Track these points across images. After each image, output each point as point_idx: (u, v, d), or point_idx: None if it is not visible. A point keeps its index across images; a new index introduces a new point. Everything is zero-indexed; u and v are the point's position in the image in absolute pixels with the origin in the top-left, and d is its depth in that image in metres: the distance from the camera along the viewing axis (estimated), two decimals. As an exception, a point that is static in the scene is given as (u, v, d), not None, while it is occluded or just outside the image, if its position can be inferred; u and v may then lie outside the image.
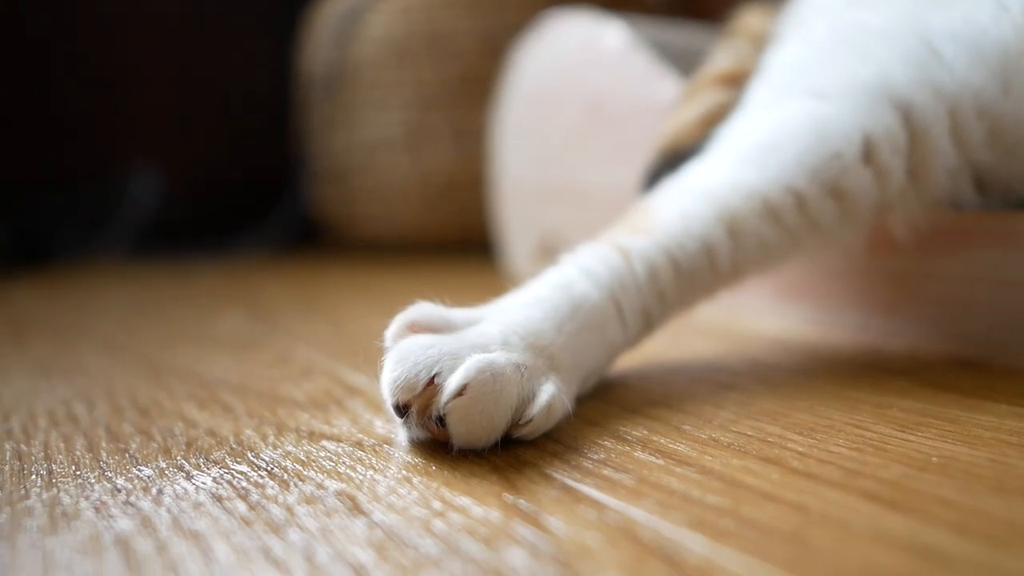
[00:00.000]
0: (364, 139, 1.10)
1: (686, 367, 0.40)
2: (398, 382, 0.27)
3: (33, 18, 1.20)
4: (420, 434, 0.28)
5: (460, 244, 1.03)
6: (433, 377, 0.27)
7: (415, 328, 0.29)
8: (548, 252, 0.70)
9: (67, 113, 1.23)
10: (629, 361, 0.37)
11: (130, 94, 1.29)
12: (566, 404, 0.29)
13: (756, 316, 0.49)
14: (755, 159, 0.37)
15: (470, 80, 1.03)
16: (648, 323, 0.35)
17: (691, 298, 0.36)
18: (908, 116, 0.36)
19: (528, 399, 0.28)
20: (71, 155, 1.23)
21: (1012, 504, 0.21)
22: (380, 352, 0.29)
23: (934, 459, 0.25)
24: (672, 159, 0.44)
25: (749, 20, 0.50)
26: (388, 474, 0.26)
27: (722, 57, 0.48)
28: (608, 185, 0.61)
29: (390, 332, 0.29)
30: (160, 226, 1.19)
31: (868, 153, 0.36)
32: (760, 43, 0.47)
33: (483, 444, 0.27)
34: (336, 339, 0.48)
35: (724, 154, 0.38)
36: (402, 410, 0.27)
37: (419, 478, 0.25)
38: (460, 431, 0.26)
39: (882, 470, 0.24)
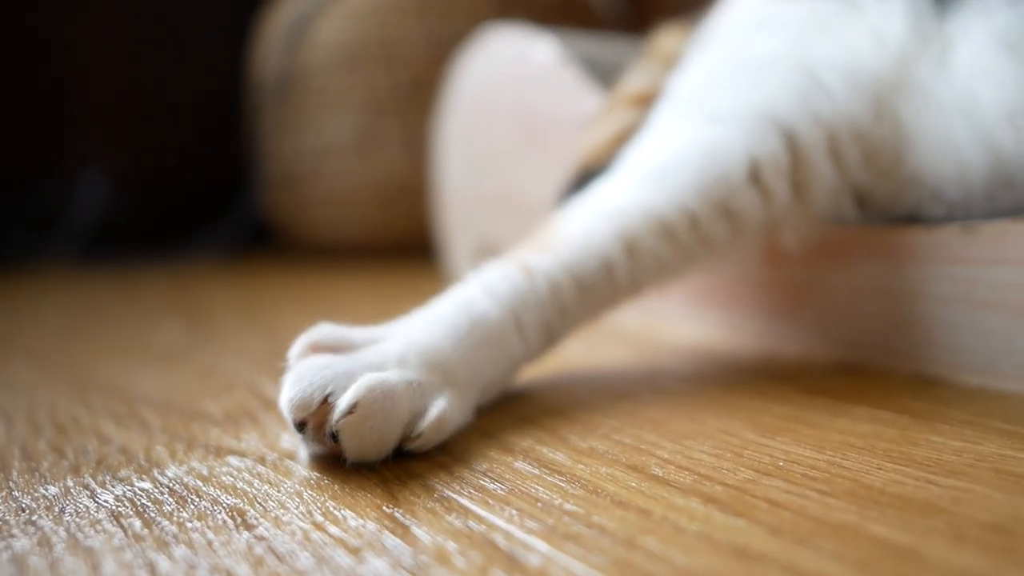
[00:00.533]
0: (315, 144, 1.11)
1: (591, 375, 0.42)
2: (294, 401, 0.29)
3: (-21, 24, 1.20)
4: (318, 449, 0.30)
5: (411, 248, 1.04)
6: (327, 396, 0.29)
7: (316, 348, 0.31)
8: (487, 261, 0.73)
9: (13, 115, 1.23)
10: (538, 370, 0.39)
11: (78, 97, 1.28)
12: (458, 417, 0.31)
13: (670, 321, 0.52)
14: (654, 180, 0.39)
15: (420, 86, 1.04)
16: (550, 336, 0.37)
17: (593, 311, 0.39)
18: (791, 140, 0.38)
19: (420, 414, 0.30)
20: (17, 157, 1.23)
21: (829, 503, 0.24)
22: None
23: (780, 463, 0.27)
24: (586, 177, 0.46)
25: (662, 42, 0.53)
26: (282, 488, 0.28)
27: (635, 78, 0.50)
28: (541, 195, 0.63)
29: (293, 352, 0.31)
30: (108, 230, 1.19)
31: (754, 174, 0.38)
32: (671, 64, 0.50)
33: (374, 458, 0.29)
34: (266, 350, 0.49)
35: (627, 175, 0.40)
36: (300, 427, 0.29)
37: (310, 492, 0.27)
38: (352, 446, 0.28)
39: (730, 475, 0.26)
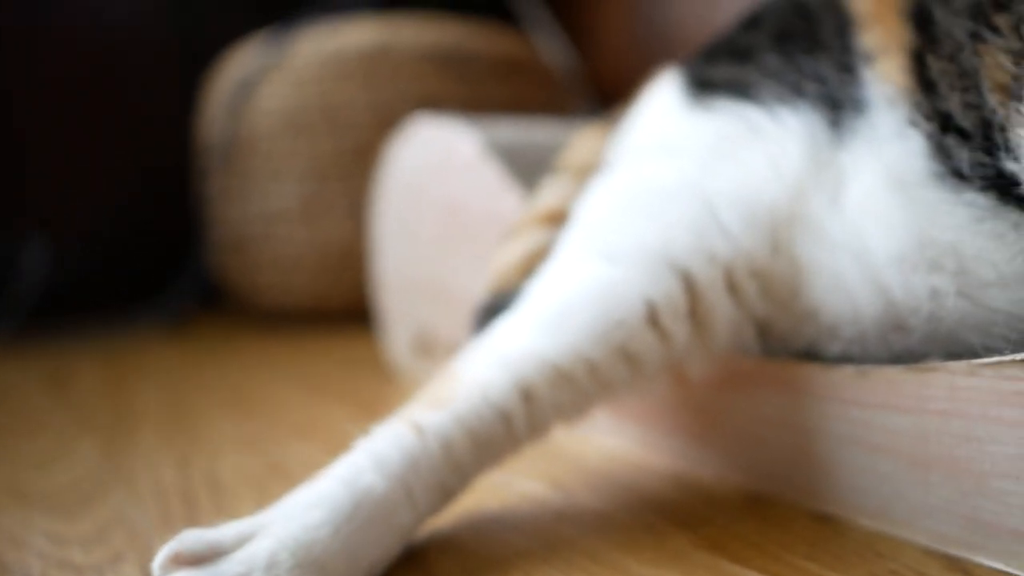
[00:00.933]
0: (262, 209, 1.10)
1: (498, 516, 0.41)
2: None
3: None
4: None
5: (359, 314, 1.03)
6: None
7: (180, 560, 0.30)
8: (424, 348, 0.72)
9: None
10: (444, 516, 0.38)
11: (24, 160, 1.26)
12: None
13: (597, 434, 0.51)
14: (550, 326, 0.38)
15: (364, 152, 1.03)
16: (446, 495, 0.36)
17: (492, 461, 0.38)
18: (688, 281, 0.38)
19: None
20: None
21: None
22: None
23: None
24: (497, 302, 0.46)
25: (576, 151, 0.53)
26: None
27: (547, 193, 0.50)
28: (471, 288, 0.63)
29: (156, 564, 0.30)
30: (53, 299, 1.17)
31: (652, 318, 0.38)
32: (585, 176, 0.49)
33: None
34: (174, 493, 0.47)
35: (525, 317, 0.40)
36: None
37: None
38: None
39: None
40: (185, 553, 0.30)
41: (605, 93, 1.39)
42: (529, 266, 0.45)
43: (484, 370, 0.38)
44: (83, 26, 1.31)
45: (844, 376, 0.37)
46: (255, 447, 0.54)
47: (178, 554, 0.29)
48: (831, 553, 0.34)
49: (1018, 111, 0.34)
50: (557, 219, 0.47)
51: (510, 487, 0.44)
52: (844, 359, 0.38)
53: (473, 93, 1.08)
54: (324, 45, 1.07)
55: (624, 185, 0.43)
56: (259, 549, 0.30)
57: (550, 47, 1.35)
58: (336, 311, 1.07)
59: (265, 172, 1.08)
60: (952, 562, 0.32)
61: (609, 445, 0.50)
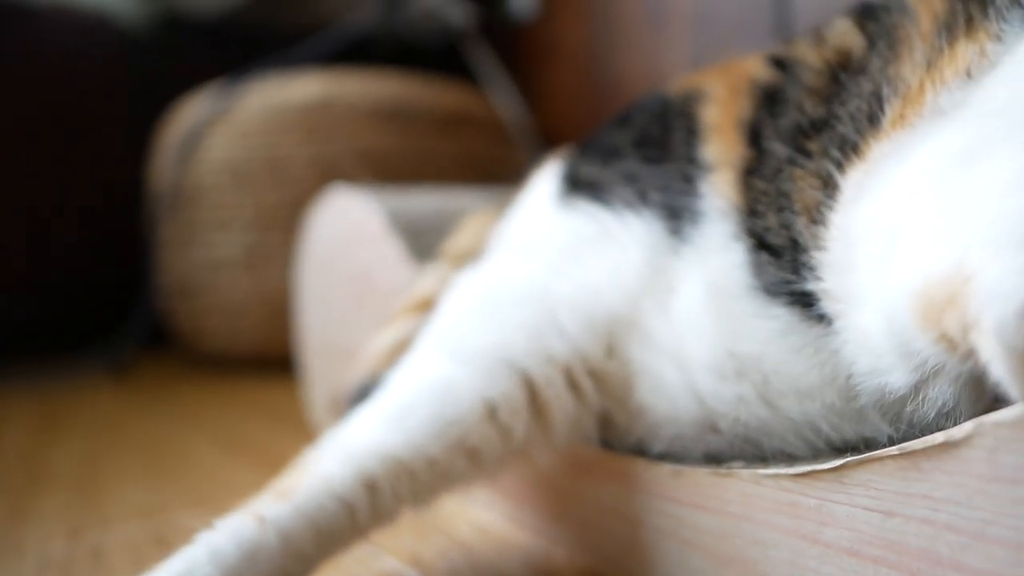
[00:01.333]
0: (207, 257, 1.12)
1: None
2: None
3: None
4: None
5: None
6: None
7: None
8: (338, 410, 0.74)
9: None
10: None
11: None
12: None
13: (471, 505, 0.54)
14: (393, 420, 0.41)
15: (305, 204, 1.06)
16: None
17: (337, 547, 0.40)
18: (526, 379, 0.41)
19: None
20: None
21: None
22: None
23: None
24: (364, 388, 0.48)
25: (457, 239, 0.55)
26: None
27: (423, 281, 0.53)
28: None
29: None
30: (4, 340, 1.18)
31: (490, 415, 0.40)
32: (461, 264, 0.52)
33: None
34: (56, 567, 0.48)
35: (373, 410, 0.42)
36: None
37: None
38: None
39: None
40: None
41: (553, 143, 1.43)
42: (396, 355, 0.48)
43: (329, 462, 0.40)
44: (36, 70, 1.34)
45: (663, 473, 0.39)
46: (149, 516, 0.56)
47: None
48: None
49: (819, 234, 0.36)
50: (428, 307, 0.50)
51: (367, 565, 0.46)
52: (667, 456, 0.40)
53: (415, 147, 1.11)
54: (269, 98, 1.11)
55: (482, 283, 0.46)
56: None
57: (501, 100, 1.39)
58: (278, 358, 1.09)
59: (211, 221, 1.11)
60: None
61: (481, 518, 0.52)
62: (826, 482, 0.32)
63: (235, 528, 0.38)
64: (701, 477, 0.37)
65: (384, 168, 1.08)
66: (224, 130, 1.11)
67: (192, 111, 1.16)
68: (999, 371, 0.22)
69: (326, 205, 0.74)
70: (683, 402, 0.39)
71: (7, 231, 1.29)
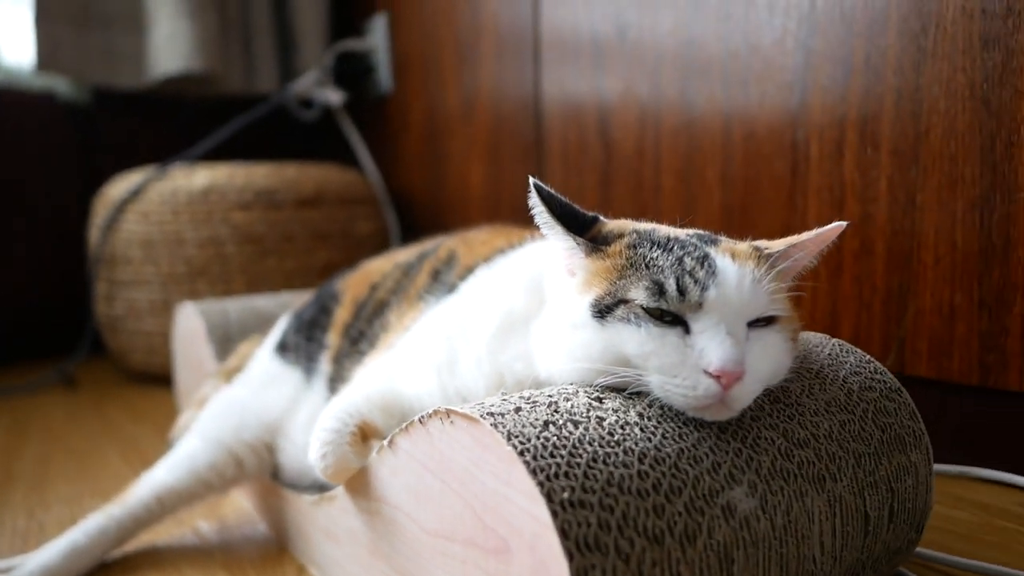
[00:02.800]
0: (127, 304, 1.53)
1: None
2: None
3: None
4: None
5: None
6: None
7: None
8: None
9: None
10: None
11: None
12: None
13: (243, 498, 0.97)
14: (168, 468, 0.82)
15: (195, 272, 1.47)
16: (120, 542, 0.81)
17: (148, 525, 0.82)
18: (230, 451, 0.82)
19: None
20: None
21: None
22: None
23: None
24: (173, 440, 0.91)
25: (231, 360, 0.97)
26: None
27: (204, 390, 0.95)
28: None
29: None
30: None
31: (213, 467, 0.83)
32: (231, 377, 0.95)
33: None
34: None
35: (164, 461, 0.84)
36: None
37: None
38: None
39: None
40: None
41: (404, 202, 1.84)
42: (185, 427, 0.91)
43: (138, 488, 0.83)
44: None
45: (304, 499, 0.82)
46: (73, 503, 0.99)
47: None
48: None
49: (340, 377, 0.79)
50: (204, 404, 0.93)
51: (181, 524, 0.89)
52: (314, 489, 0.83)
53: (279, 224, 1.52)
54: (169, 186, 1.50)
55: (223, 395, 0.88)
56: (31, 561, 0.74)
57: (364, 166, 1.79)
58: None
59: (128, 280, 1.52)
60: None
61: (246, 506, 0.95)
62: (324, 503, 0.75)
63: (95, 517, 0.80)
64: (311, 503, 0.80)
65: (256, 242, 1.48)
66: (136, 209, 1.50)
67: (115, 191, 1.55)
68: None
69: (180, 311, 1.16)
70: (298, 464, 0.82)
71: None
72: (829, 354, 0.67)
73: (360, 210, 1.66)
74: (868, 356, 0.68)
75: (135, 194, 1.50)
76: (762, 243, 0.59)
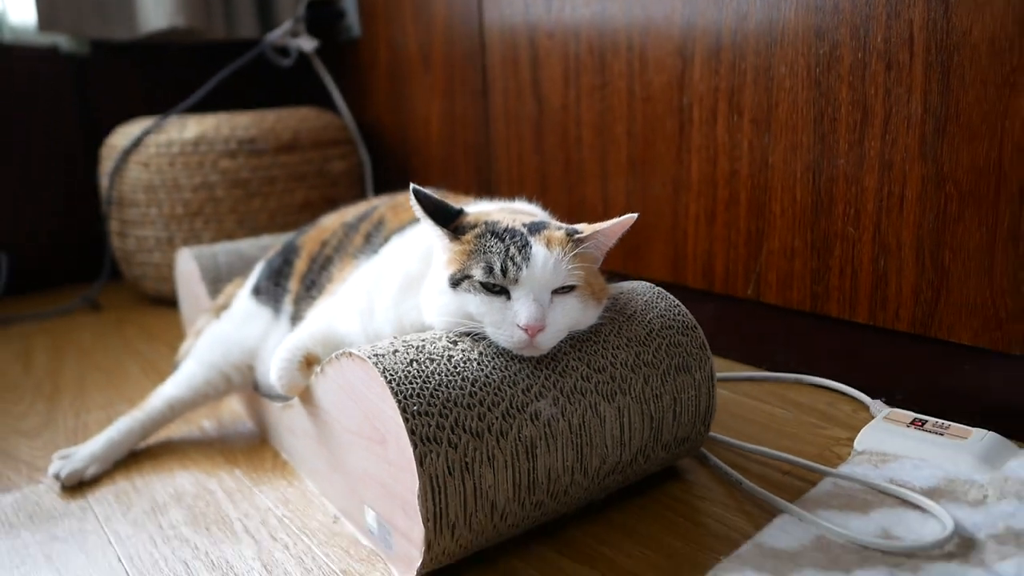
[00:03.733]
0: (136, 240, 1.79)
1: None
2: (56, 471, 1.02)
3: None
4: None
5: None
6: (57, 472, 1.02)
7: (58, 456, 1.04)
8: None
9: None
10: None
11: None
12: (95, 468, 1.04)
13: (233, 403, 1.25)
14: (174, 383, 1.09)
15: (192, 213, 1.71)
16: (145, 435, 1.09)
17: (165, 424, 1.10)
18: (222, 371, 1.10)
19: (81, 471, 1.03)
20: None
21: None
22: None
23: None
24: (178, 362, 1.18)
25: (219, 299, 1.23)
26: (38, 505, 1.01)
27: (199, 322, 1.21)
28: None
29: (54, 456, 1.04)
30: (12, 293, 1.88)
31: (208, 383, 1.10)
32: (220, 313, 1.20)
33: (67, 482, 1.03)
34: (67, 428, 1.21)
35: (171, 379, 1.11)
36: (56, 476, 1.03)
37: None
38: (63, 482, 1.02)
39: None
40: (58, 453, 1.03)
41: (374, 139, 2.04)
42: (187, 352, 1.17)
43: (153, 397, 1.10)
44: (10, 87, 1.94)
45: (276, 405, 1.09)
46: (106, 408, 1.27)
47: (58, 452, 1.03)
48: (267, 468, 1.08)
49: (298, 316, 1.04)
50: (199, 335, 1.19)
51: (189, 423, 1.18)
52: (282, 398, 1.10)
53: (262, 169, 1.74)
54: (166, 137, 1.72)
55: (212, 328, 1.14)
56: (81, 451, 1.03)
57: (337, 106, 1.98)
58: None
59: (135, 219, 1.76)
60: (286, 464, 1.07)
61: (239, 409, 1.23)
62: (287, 409, 1.01)
63: (132, 414, 1.08)
64: (279, 408, 1.07)
65: (242, 186, 1.71)
66: (136, 159, 1.73)
67: (118, 140, 1.77)
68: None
69: (179, 256, 1.40)
70: (269, 380, 1.08)
71: (2, 215, 1.95)
72: (645, 301, 0.91)
73: (334, 151, 1.87)
74: (677, 301, 0.92)
75: (136, 144, 1.72)
76: (580, 227, 0.82)
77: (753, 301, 1.22)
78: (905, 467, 0.89)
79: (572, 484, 0.79)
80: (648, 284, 0.95)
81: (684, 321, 0.90)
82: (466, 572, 0.77)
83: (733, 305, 1.26)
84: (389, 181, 1.95)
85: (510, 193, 1.58)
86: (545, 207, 0.95)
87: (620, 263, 1.41)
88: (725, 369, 1.27)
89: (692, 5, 1.21)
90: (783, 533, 0.78)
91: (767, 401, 1.14)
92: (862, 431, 0.98)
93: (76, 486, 1.00)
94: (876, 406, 1.06)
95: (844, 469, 0.90)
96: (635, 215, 0.80)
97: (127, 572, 0.81)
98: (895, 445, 0.93)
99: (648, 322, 0.87)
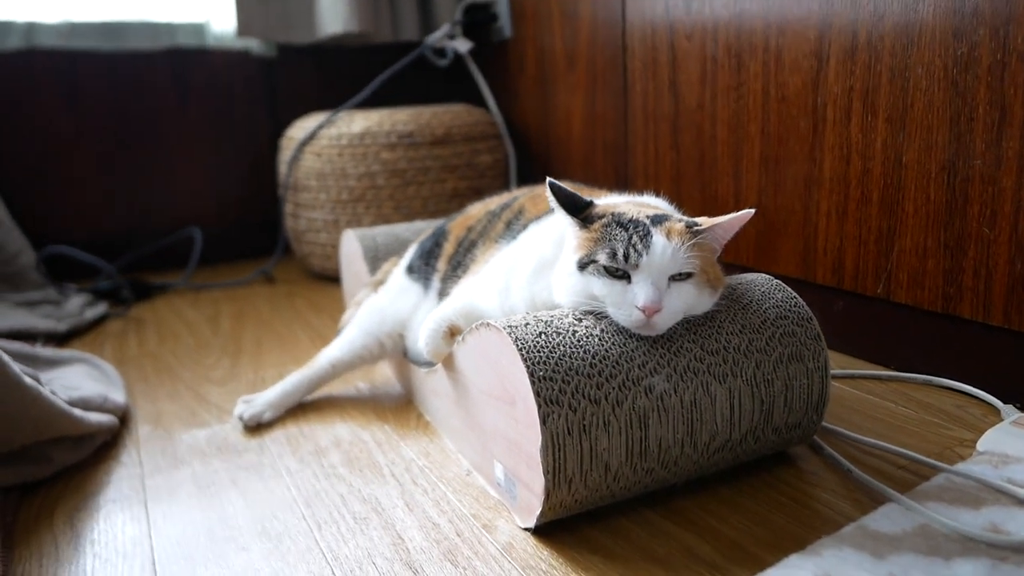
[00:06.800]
0: (306, 222, 2.01)
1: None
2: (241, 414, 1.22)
3: None
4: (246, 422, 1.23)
5: (356, 282, 1.95)
6: (240, 414, 1.21)
7: (242, 400, 1.23)
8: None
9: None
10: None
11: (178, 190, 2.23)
12: (271, 413, 1.22)
13: (386, 367, 1.40)
14: (337, 347, 1.25)
15: (355, 199, 1.90)
16: (311, 389, 1.26)
17: (329, 381, 1.27)
18: (378, 338, 1.25)
19: (261, 415, 1.21)
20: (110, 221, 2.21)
21: None
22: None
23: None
24: (340, 329, 1.35)
25: (377, 275, 1.38)
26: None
27: (360, 295, 1.37)
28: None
29: (240, 400, 1.24)
30: (204, 263, 2.17)
31: (366, 347, 1.25)
32: (378, 287, 1.36)
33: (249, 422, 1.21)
34: (249, 381, 1.41)
35: (334, 343, 1.28)
36: (240, 418, 1.22)
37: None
38: (246, 424, 1.21)
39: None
40: (242, 398, 1.22)
41: (522, 135, 2.16)
42: (348, 321, 1.34)
43: (319, 358, 1.27)
44: (211, 86, 2.22)
45: (422, 370, 1.23)
46: (279, 367, 1.47)
47: (241, 398, 1.22)
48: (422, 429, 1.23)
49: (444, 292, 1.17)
50: (359, 305, 1.35)
51: (347, 383, 1.34)
52: (427, 364, 1.24)
53: (418, 160, 1.90)
54: (336, 130, 1.92)
55: (371, 301, 1.30)
56: (259, 398, 1.22)
57: (489, 111, 2.12)
58: (348, 278, 1.99)
59: (307, 203, 1.98)
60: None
61: (389, 373, 1.39)
62: (431, 373, 1.14)
63: (300, 371, 1.26)
64: (424, 373, 1.21)
65: (399, 175, 1.88)
66: (310, 150, 1.94)
67: (296, 132, 2.00)
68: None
69: (344, 237, 1.58)
70: (417, 348, 1.22)
71: (197, 195, 2.25)
72: (763, 292, 0.96)
73: (482, 144, 2.00)
74: (794, 294, 0.97)
75: (311, 137, 1.93)
76: (699, 219, 0.89)
77: (883, 300, 1.23)
78: (1025, 469, 0.89)
79: (682, 456, 0.86)
80: (767, 276, 1.00)
81: (800, 312, 0.94)
82: (579, 526, 0.86)
83: (862, 303, 1.27)
84: (532, 174, 2.07)
85: (645, 188, 1.65)
86: (679, 202, 1.01)
87: (752, 258, 1.44)
88: (851, 366, 1.28)
89: (829, 6, 1.23)
90: (887, 519, 0.82)
91: (892, 400, 1.15)
92: (986, 432, 0.98)
93: (255, 428, 1.18)
94: (1008, 411, 1.05)
95: (960, 467, 0.91)
96: (752, 211, 0.85)
97: (295, 498, 0.96)
98: (1019, 448, 0.93)
99: (763, 311, 0.93)
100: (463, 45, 2.07)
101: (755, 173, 1.41)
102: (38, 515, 0.95)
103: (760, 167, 1.40)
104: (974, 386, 1.13)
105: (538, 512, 0.82)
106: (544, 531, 0.85)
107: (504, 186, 2.03)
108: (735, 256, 1.47)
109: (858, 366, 1.28)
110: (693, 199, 1.55)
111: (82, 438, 1.07)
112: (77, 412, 1.05)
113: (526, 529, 0.86)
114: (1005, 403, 1.07)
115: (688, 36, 1.51)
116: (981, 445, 0.97)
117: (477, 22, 2.12)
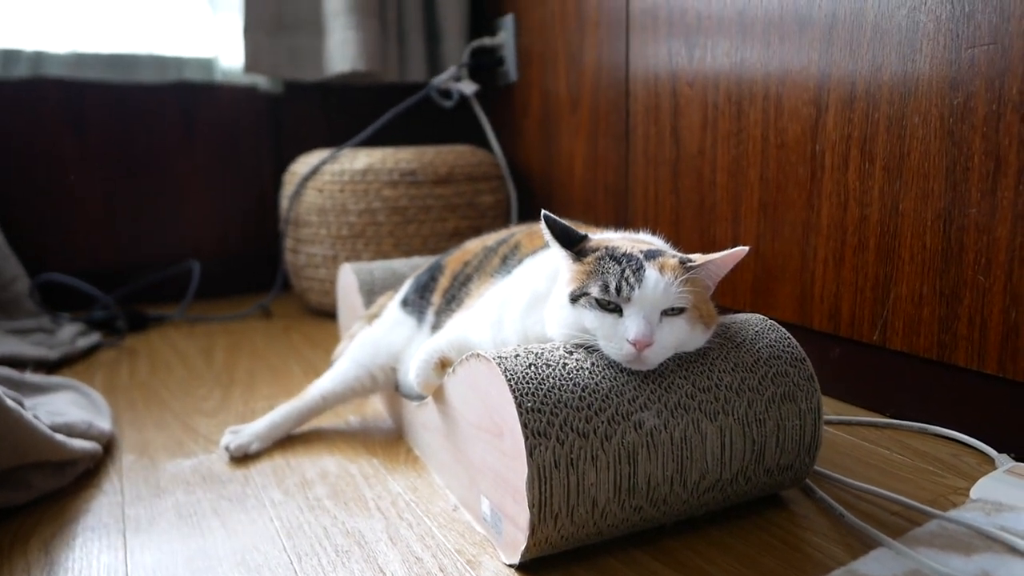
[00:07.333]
0: (306, 256, 2.01)
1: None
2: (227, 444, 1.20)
3: None
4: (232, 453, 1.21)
5: (353, 318, 1.94)
6: (227, 445, 1.20)
7: (229, 430, 1.22)
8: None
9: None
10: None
11: (181, 214, 2.25)
12: (257, 445, 1.21)
13: (377, 402, 1.39)
14: (330, 378, 1.25)
15: (355, 235, 1.91)
16: (301, 421, 1.25)
17: (320, 413, 1.26)
18: (367, 369, 1.24)
19: (247, 445, 1.20)
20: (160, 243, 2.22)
21: None
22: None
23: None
24: (333, 360, 1.34)
25: (372, 309, 1.38)
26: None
27: (354, 328, 1.37)
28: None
29: (227, 430, 1.22)
30: (201, 294, 2.17)
31: (358, 380, 1.24)
32: (372, 321, 1.36)
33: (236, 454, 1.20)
34: (238, 412, 1.40)
35: (326, 374, 1.27)
36: (227, 448, 1.20)
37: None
38: (231, 454, 1.19)
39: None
40: (230, 429, 1.21)
41: (524, 177, 2.18)
42: (341, 353, 1.33)
43: (310, 390, 1.26)
44: (219, 120, 2.25)
45: (412, 404, 1.22)
46: (270, 399, 1.46)
47: (229, 428, 1.21)
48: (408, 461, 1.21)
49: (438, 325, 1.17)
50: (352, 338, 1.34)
51: (338, 416, 1.33)
52: (419, 398, 1.23)
53: (420, 198, 1.92)
54: (338, 167, 1.94)
55: (365, 333, 1.29)
56: (247, 429, 1.21)
57: (492, 152, 2.14)
58: (345, 313, 1.99)
59: (307, 238, 1.99)
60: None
61: (380, 407, 1.38)
62: (422, 406, 1.13)
63: (291, 403, 1.24)
64: (415, 406, 1.20)
65: (400, 213, 1.89)
66: (313, 185, 1.96)
67: (299, 168, 2.02)
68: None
69: (341, 270, 1.59)
70: (409, 381, 1.21)
71: (199, 228, 2.26)
72: (756, 331, 0.96)
73: (484, 185, 2.02)
74: (787, 334, 0.96)
75: (313, 172, 1.95)
76: (694, 256, 0.89)
77: (878, 346, 1.22)
78: (1020, 518, 0.87)
79: (671, 494, 0.84)
80: (761, 317, 0.99)
81: (793, 353, 0.94)
82: (566, 564, 0.85)
83: (859, 349, 1.26)
84: (533, 215, 2.08)
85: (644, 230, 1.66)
86: (677, 244, 1.01)
87: (749, 303, 1.44)
88: (847, 413, 1.27)
89: (828, 56, 1.25)
90: (877, 563, 0.80)
91: (887, 446, 1.14)
92: (980, 480, 0.97)
93: (241, 458, 1.17)
94: (1002, 459, 1.04)
95: (953, 513, 0.89)
96: (746, 248, 0.86)
97: (277, 530, 0.95)
98: (1012, 496, 0.91)
99: (756, 350, 0.92)
100: (469, 87, 2.10)
101: (753, 218, 1.42)
102: (12, 542, 0.93)
103: (759, 212, 1.41)
104: (969, 434, 1.11)
105: (523, 547, 0.80)
106: (530, 568, 0.83)
107: (505, 226, 2.04)
108: (732, 300, 1.47)
109: (854, 412, 1.27)
110: (692, 243, 1.55)
111: (64, 464, 1.06)
112: (59, 437, 1.03)
113: (511, 566, 0.84)
114: (1000, 452, 1.06)
115: (690, 83, 1.54)
116: (974, 493, 0.95)
117: (484, 65, 2.16)
